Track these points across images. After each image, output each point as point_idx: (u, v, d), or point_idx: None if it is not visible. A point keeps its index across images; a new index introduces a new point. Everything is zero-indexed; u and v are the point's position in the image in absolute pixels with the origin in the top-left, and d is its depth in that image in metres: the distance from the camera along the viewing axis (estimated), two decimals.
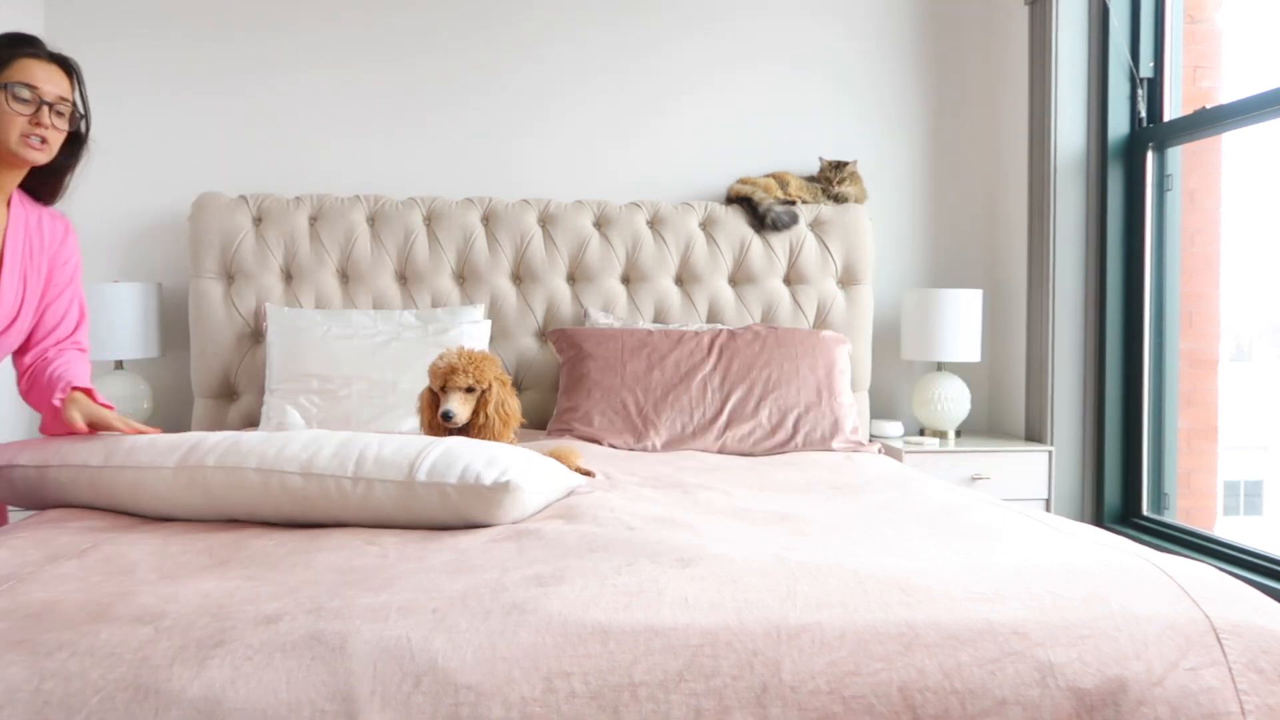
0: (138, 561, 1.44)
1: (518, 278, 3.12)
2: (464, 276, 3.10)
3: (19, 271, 1.88)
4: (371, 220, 3.06)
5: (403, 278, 3.08)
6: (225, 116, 3.17)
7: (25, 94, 1.75)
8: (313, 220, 3.04)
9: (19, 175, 1.86)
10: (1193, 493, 3.60)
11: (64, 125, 1.82)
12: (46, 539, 1.56)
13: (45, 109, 1.77)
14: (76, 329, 1.99)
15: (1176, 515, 2.98)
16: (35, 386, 1.90)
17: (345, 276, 3.05)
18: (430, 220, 3.07)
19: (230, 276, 3.01)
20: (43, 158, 1.80)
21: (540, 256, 3.09)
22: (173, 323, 3.13)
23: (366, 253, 3.03)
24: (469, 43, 3.26)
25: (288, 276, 3.03)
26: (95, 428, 1.81)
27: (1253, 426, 4.96)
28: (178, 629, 1.15)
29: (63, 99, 1.81)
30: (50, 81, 1.79)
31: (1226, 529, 4.13)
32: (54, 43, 1.86)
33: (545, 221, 3.11)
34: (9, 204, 1.87)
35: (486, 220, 3.10)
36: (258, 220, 3.02)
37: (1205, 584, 1.32)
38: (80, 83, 1.87)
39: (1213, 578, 1.36)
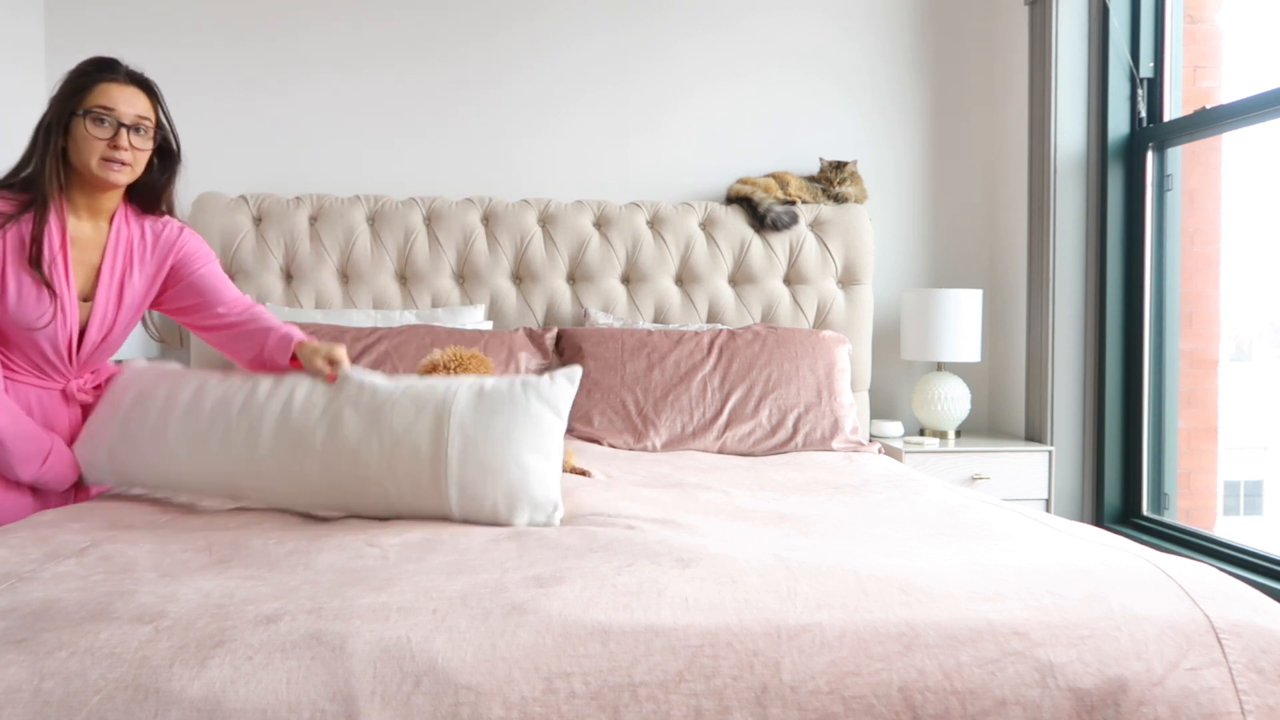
0: (137, 560, 1.44)
1: (518, 278, 3.12)
2: (464, 276, 3.10)
3: (116, 283, 1.97)
4: (371, 220, 3.06)
5: (403, 278, 3.08)
6: (225, 117, 3.17)
7: (103, 118, 1.82)
8: (313, 220, 3.04)
9: (114, 195, 1.94)
10: (1193, 493, 3.60)
11: (146, 144, 1.89)
12: (46, 537, 1.56)
13: (124, 131, 1.83)
14: (238, 296, 2.12)
15: (1176, 515, 2.98)
16: (239, 343, 2.03)
17: (345, 276, 3.05)
18: (430, 220, 3.07)
19: (230, 276, 3.01)
20: (124, 178, 1.88)
21: (540, 256, 3.09)
22: (173, 323, 3.13)
23: (366, 253, 3.03)
24: (470, 47, 3.26)
25: (288, 276, 3.03)
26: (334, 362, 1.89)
27: (1253, 426, 4.96)
28: (178, 629, 1.15)
29: (142, 119, 1.87)
30: (129, 103, 1.84)
31: (1226, 529, 4.13)
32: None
33: (545, 221, 3.11)
34: (111, 220, 1.96)
35: (486, 220, 3.10)
36: (258, 220, 3.02)
37: (1205, 584, 1.32)
38: (160, 100, 1.93)
39: (1213, 578, 1.36)
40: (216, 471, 1.78)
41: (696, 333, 2.88)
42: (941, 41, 3.39)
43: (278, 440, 1.74)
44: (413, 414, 1.69)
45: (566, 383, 1.76)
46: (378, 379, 1.78)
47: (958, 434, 3.18)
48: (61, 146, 1.84)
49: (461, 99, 3.26)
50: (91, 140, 1.82)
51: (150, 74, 1.94)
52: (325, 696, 1.07)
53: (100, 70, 1.85)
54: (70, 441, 1.96)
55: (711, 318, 3.14)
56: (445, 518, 1.67)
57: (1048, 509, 2.97)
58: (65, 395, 2.00)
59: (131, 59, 3.29)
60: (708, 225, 3.15)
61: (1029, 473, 2.96)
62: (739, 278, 3.16)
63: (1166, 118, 2.91)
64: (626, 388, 2.74)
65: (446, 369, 2.00)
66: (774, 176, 3.23)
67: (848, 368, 2.91)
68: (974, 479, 2.92)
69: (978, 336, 3.10)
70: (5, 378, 1.90)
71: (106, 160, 1.84)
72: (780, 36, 3.34)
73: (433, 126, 3.25)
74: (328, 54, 3.22)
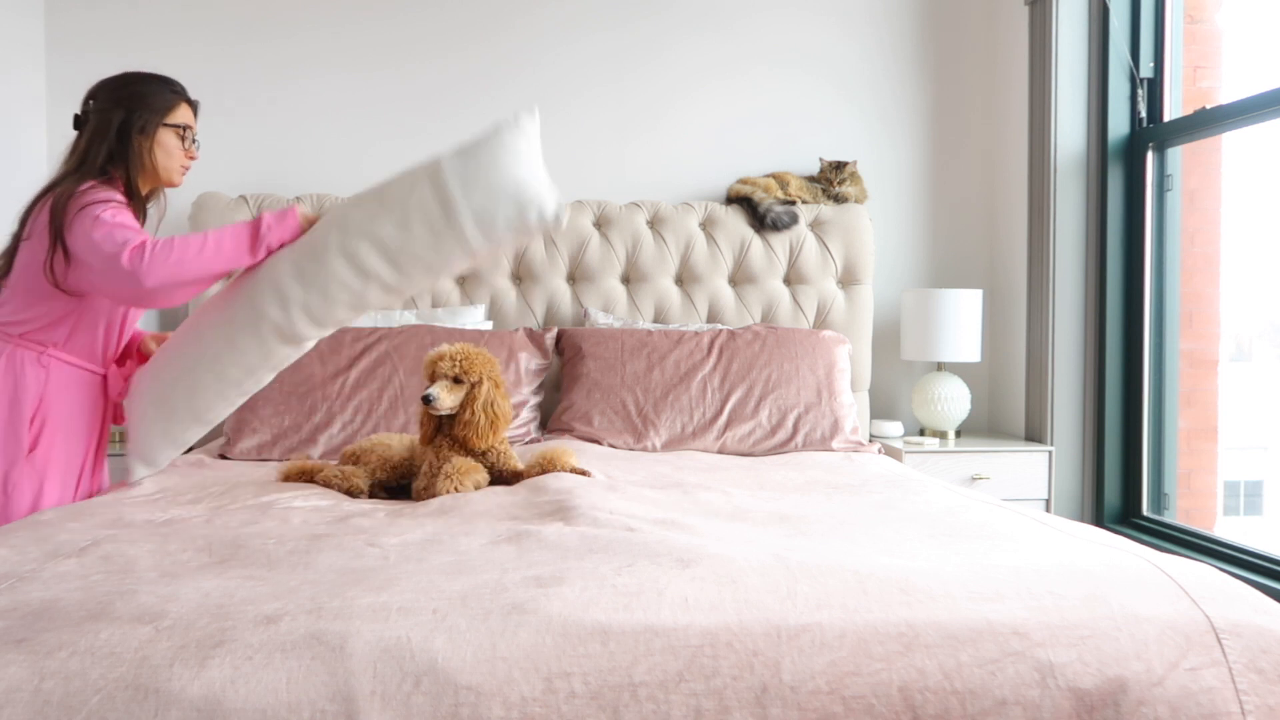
0: (137, 560, 1.44)
1: (518, 278, 3.12)
2: (464, 276, 3.10)
3: None
4: None
5: None
6: (225, 118, 3.17)
7: (187, 134, 2.12)
8: None
9: None
10: (1193, 493, 3.60)
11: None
12: (46, 536, 1.56)
13: (193, 144, 2.16)
14: None
15: (1176, 515, 2.98)
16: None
17: None
18: None
19: (230, 277, 3.00)
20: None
21: (540, 256, 3.09)
22: (172, 323, 3.13)
23: None
24: (471, 47, 3.26)
25: None
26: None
27: (1253, 426, 4.96)
28: (178, 629, 1.15)
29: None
30: (193, 119, 2.15)
31: (1226, 529, 4.13)
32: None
33: None
34: None
35: None
36: None
37: (1205, 584, 1.32)
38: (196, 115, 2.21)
39: (1213, 578, 1.36)
40: (252, 334, 1.92)
41: (696, 333, 2.88)
42: (941, 41, 3.39)
43: (298, 259, 1.89)
44: (409, 184, 1.88)
45: (525, 116, 2.01)
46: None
47: (958, 434, 3.18)
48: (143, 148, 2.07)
49: (461, 99, 3.26)
50: (179, 152, 2.11)
51: None
52: (325, 696, 1.07)
53: (174, 88, 2.11)
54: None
55: (711, 318, 3.14)
56: (469, 254, 1.87)
57: (1048, 509, 2.97)
58: (106, 382, 2.15)
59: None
60: (708, 225, 3.15)
61: (1029, 473, 2.96)
62: (739, 278, 3.16)
63: (1166, 118, 2.91)
64: (626, 388, 2.74)
65: (454, 360, 2.01)
66: (774, 176, 3.23)
67: (848, 368, 2.91)
68: (974, 479, 2.92)
69: (978, 336, 3.10)
70: (70, 364, 2.06)
71: (184, 168, 2.14)
72: (780, 36, 3.34)
73: (432, 126, 3.25)
74: (327, 55, 3.22)
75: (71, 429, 2.06)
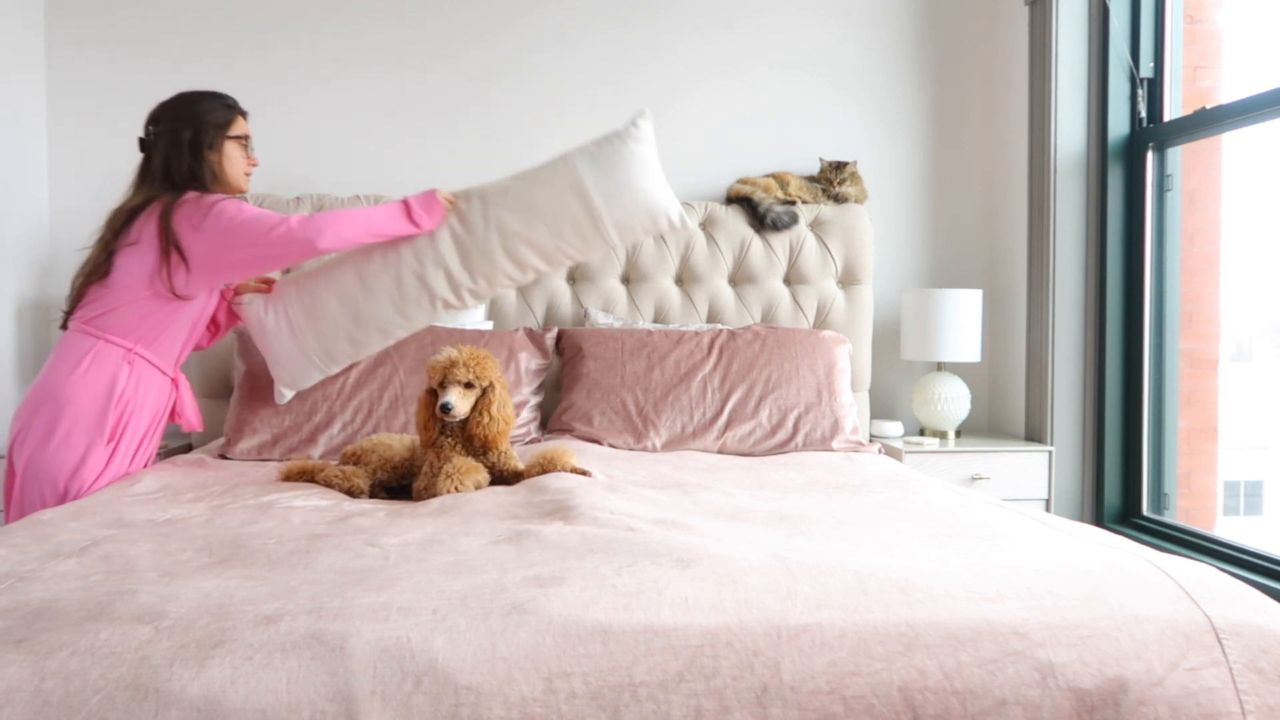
0: (137, 560, 1.44)
1: None
2: None
3: None
4: None
5: None
6: None
7: (248, 144, 2.37)
8: None
9: None
10: (1193, 493, 3.60)
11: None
12: (46, 536, 1.56)
13: (252, 150, 2.40)
14: None
15: (1176, 515, 2.98)
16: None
17: None
18: None
19: None
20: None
21: None
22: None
23: None
24: (470, 48, 3.26)
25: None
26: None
27: (1253, 426, 4.96)
28: (178, 629, 1.15)
29: None
30: (247, 127, 2.39)
31: (1226, 529, 4.13)
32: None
33: None
34: None
35: None
36: None
37: (1205, 584, 1.33)
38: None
39: (1213, 578, 1.36)
40: (427, 309, 2.37)
41: (696, 333, 2.88)
42: (941, 41, 3.39)
43: (467, 254, 2.31)
44: (557, 196, 2.29)
45: (643, 121, 2.36)
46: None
47: (958, 434, 3.18)
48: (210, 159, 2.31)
49: (460, 100, 3.26)
50: (243, 160, 2.37)
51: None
52: (325, 696, 1.07)
53: (227, 103, 2.34)
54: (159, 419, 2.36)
55: (711, 318, 3.14)
56: (610, 247, 2.39)
57: (1048, 509, 2.97)
58: (174, 384, 2.37)
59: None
60: (708, 225, 3.15)
61: (1029, 473, 2.96)
62: (739, 278, 3.16)
63: (1166, 118, 2.91)
64: (626, 388, 2.74)
65: (467, 366, 2.01)
66: (774, 176, 3.23)
67: (848, 368, 2.91)
68: (974, 479, 2.92)
69: (978, 336, 3.10)
70: (151, 365, 2.27)
71: (246, 174, 2.38)
72: (780, 36, 3.34)
73: (433, 127, 3.25)
74: (326, 58, 3.22)
75: (139, 421, 2.27)
